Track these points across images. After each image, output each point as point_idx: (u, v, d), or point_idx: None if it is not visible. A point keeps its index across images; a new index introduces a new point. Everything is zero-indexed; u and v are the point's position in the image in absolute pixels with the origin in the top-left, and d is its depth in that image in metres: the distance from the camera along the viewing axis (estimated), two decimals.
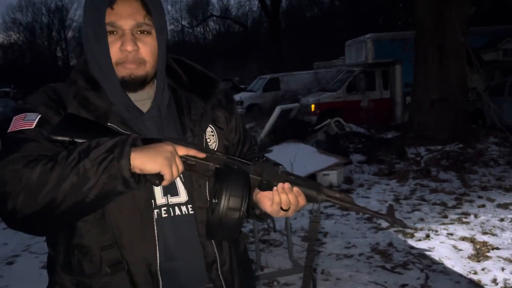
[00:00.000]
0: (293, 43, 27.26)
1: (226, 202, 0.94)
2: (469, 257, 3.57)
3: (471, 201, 5.11)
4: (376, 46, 11.82)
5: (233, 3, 60.45)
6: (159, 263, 1.01)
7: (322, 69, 18.08)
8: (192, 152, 0.98)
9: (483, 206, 4.90)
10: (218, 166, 1.00)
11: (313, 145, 7.29)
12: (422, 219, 4.57)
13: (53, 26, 44.31)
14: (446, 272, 3.35)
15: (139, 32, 1.03)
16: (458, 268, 3.39)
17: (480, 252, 3.64)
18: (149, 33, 1.04)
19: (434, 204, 5.08)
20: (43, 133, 0.97)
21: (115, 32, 1.02)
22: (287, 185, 1.03)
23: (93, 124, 0.99)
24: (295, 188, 1.04)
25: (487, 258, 3.54)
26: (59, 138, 0.95)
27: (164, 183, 0.93)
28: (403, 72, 11.60)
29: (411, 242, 3.96)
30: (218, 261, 1.08)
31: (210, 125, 1.13)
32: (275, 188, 1.03)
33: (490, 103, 8.43)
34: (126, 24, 1.01)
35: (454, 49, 8.43)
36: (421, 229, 4.26)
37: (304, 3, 34.87)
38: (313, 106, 11.52)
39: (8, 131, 0.98)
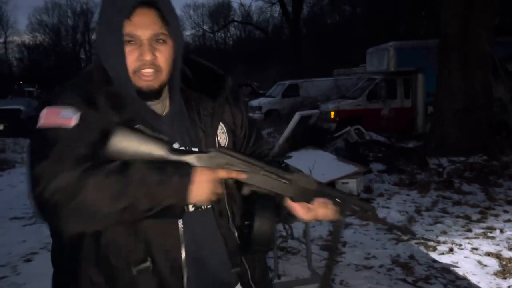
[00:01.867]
0: (314, 50, 27.15)
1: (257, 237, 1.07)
2: (495, 274, 3.44)
3: (496, 215, 4.94)
4: (398, 54, 11.67)
5: (255, 9, 60.62)
6: (185, 254, 1.06)
7: (342, 76, 17.94)
8: (234, 174, 1.04)
9: (509, 221, 4.73)
10: (255, 189, 1.07)
11: (332, 152, 7.20)
12: (445, 232, 4.44)
13: (78, 29, 45.26)
14: None
15: (155, 41, 1.05)
16: (483, 285, 3.26)
17: (507, 269, 3.50)
18: (165, 42, 1.06)
19: (458, 217, 4.93)
20: (83, 134, 0.97)
21: (132, 42, 1.04)
22: (328, 202, 1.13)
23: (141, 135, 1.00)
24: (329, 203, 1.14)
25: None
26: (113, 157, 0.97)
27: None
28: (426, 81, 11.40)
29: (433, 255, 3.84)
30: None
31: (219, 123, 1.17)
32: (316, 202, 1.13)
33: None
34: (144, 34, 1.04)
35: (479, 58, 8.23)
36: (444, 243, 4.13)
37: (325, 10, 34.77)
38: (332, 113, 11.41)
39: (43, 125, 0.97)
